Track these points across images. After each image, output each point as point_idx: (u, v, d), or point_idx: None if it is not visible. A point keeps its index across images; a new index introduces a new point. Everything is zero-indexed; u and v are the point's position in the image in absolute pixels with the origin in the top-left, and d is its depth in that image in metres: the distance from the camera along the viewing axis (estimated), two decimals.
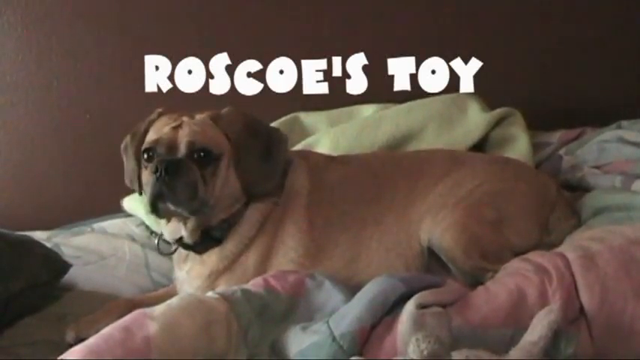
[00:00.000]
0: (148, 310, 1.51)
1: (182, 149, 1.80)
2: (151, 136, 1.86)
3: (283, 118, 2.60)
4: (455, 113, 2.43)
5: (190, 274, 1.90)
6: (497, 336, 1.46)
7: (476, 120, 2.40)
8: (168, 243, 1.94)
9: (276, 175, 1.88)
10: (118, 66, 2.66)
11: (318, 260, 1.85)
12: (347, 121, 2.56)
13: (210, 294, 1.61)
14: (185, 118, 1.85)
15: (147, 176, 1.80)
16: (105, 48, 2.67)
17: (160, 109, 1.93)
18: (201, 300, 1.56)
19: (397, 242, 1.86)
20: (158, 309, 1.51)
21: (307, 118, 2.62)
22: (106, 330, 1.46)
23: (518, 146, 2.34)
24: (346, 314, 1.50)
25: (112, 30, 2.67)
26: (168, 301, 1.55)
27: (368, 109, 2.58)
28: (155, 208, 1.78)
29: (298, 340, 1.49)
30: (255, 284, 1.65)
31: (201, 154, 1.79)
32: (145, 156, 1.83)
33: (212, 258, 1.87)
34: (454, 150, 2.22)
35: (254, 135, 1.88)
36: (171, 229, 1.89)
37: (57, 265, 1.92)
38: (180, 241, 1.89)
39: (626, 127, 2.32)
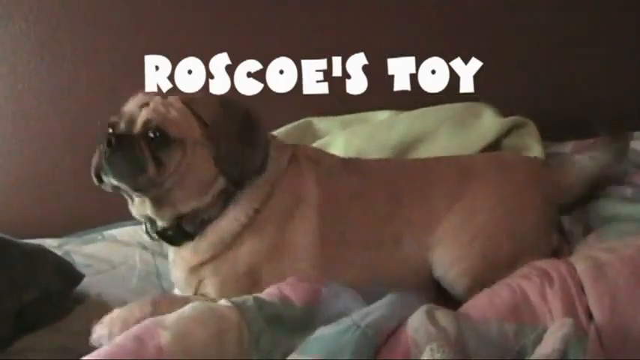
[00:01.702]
0: (160, 318, 1.52)
1: (138, 126, 1.77)
2: (120, 111, 1.84)
3: (296, 123, 2.58)
4: (469, 118, 2.42)
5: (174, 265, 1.89)
6: (501, 331, 1.47)
7: (489, 124, 2.39)
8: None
9: (258, 156, 1.81)
10: (120, 67, 2.65)
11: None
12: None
13: (222, 302, 1.60)
14: (157, 98, 1.83)
15: None
16: (113, 52, 2.66)
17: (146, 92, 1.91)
18: (213, 308, 1.56)
19: (414, 268, 1.84)
20: (170, 318, 1.51)
21: (320, 123, 2.60)
22: (119, 339, 1.47)
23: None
24: (371, 312, 1.50)
25: (115, 32, 2.66)
26: (180, 310, 1.55)
27: (383, 114, 2.57)
28: (100, 181, 1.76)
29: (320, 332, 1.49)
30: (268, 293, 1.64)
31: (157, 134, 1.75)
32: (111, 131, 1.80)
33: (187, 252, 1.84)
34: (463, 157, 2.12)
35: (231, 116, 1.82)
36: (136, 208, 1.84)
37: (70, 275, 1.92)
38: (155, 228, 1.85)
39: (638, 138, 2.28)
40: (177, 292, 1.98)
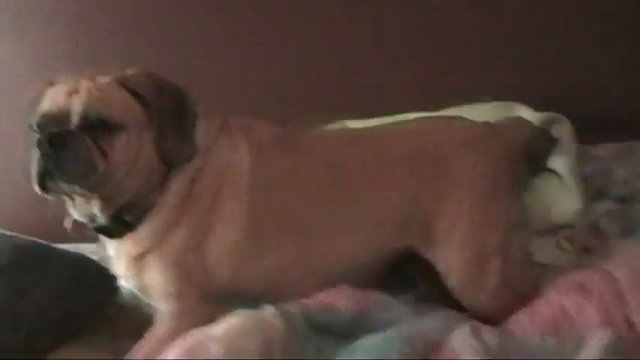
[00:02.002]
0: (207, 330, 1.51)
1: (75, 119, 1.60)
2: (42, 107, 1.65)
3: (330, 125, 2.53)
4: (505, 114, 2.32)
5: (117, 258, 1.76)
6: (542, 345, 1.51)
7: (528, 118, 2.28)
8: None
9: (191, 136, 1.69)
10: (120, 68, 2.63)
11: (257, 257, 1.71)
12: None
13: (268, 309, 1.58)
14: (84, 82, 1.64)
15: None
16: (113, 52, 2.64)
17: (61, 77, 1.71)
18: (259, 318, 1.55)
19: (355, 255, 1.75)
20: (218, 330, 1.51)
21: (355, 125, 2.55)
22: (170, 354, 1.46)
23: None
24: (419, 324, 1.53)
25: (115, 32, 2.65)
26: (228, 321, 1.54)
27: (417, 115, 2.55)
28: (44, 188, 1.58)
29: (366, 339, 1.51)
30: (314, 300, 1.63)
31: (98, 123, 1.60)
32: (35, 128, 1.63)
33: (127, 243, 1.71)
34: (423, 133, 1.86)
35: (166, 95, 1.68)
36: (78, 208, 1.68)
37: (111, 284, 1.88)
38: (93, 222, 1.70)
39: None
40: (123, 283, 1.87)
